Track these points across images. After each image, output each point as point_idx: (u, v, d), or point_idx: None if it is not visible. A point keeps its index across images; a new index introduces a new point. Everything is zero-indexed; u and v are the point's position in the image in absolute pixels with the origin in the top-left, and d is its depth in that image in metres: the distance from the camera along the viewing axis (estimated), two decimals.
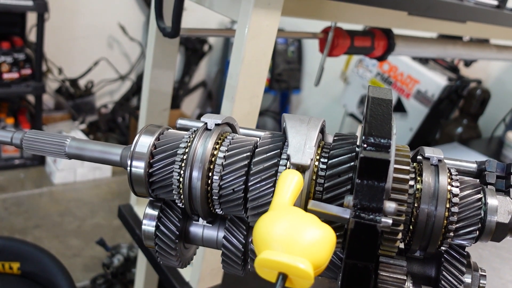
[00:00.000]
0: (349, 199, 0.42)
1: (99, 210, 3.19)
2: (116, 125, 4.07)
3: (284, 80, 4.25)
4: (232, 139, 0.55)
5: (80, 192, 3.37)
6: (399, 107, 2.85)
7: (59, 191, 3.33)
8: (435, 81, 2.69)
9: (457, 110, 2.94)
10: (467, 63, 2.79)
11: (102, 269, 2.33)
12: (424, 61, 2.81)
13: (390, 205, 0.41)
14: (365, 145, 0.42)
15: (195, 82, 4.64)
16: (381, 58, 1.37)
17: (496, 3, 1.38)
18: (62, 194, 3.31)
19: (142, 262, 1.42)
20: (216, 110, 4.78)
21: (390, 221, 0.41)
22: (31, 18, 3.40)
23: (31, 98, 3.64)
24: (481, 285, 0.53)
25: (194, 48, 4.30)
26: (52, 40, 3.60)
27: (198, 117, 0.58)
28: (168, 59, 1.21)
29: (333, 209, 0.45)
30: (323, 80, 1.28)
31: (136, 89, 4.16)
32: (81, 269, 2.58)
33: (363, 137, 0.43)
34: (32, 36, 3.44)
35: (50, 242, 2.76)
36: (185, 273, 1.13)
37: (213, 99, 4.85)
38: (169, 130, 0.58)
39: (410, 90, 2.81)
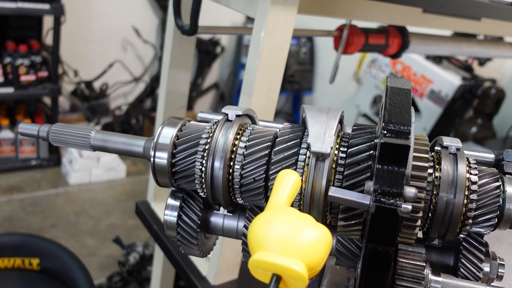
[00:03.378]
0: (369, 185, 0.43)
1: (114, 210, 3.23)
2: (130, 126, 4.11)
3: (296, 81, 4.26)
4: (253, 129, 0.56)
5: (95, 193, 3.42)
6: (413, 107, 2.83)
7: (74, 192, 3.38)
8: (449, 81, 2.68)
9: (471, 110, 2.92)
10: (481, 62, 2.77)
11: (117, 267, 2.36)
12: (437, 60, 2.80)
13: (410, 190, 0.42)
14: (385, 132, 0.43)
15: (208, 84, 4.67)
16: (396, 56, 1.37)
17: (511, 0, 1.37)
18: (77, 195, 3.36)
19: (159, 257, 1.44)
20: None
21: (410, 207, 0.42)
22: (48, 22, 3.46)
23: (47, 100, 3.70)
24: (499, 273, 0.54)
25: (206, 50, 4.33)
26: (68, 43, 3.66)
27: None
28: (185, 58, 1.23)
29: (353, 195, 0.46)
30: (336, 81, 1.29)
31: (149, 91, 4.21)
32: (97, 268, 2.61)
33: (383, 124, 0.44)
34: (48, 39, 3.51)
35: (66, 241, 2.80)
36: (202, 267, 1.15)
37: (225, 101, 4.88)
38: (191, 122, 0.60)
39: (424, 89, 2.79)
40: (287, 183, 0.44)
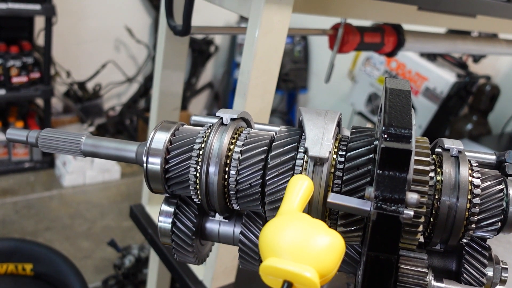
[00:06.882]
0: (370, 191, 0.42)
1: (109, 212, 3.20)
2: (124, 127, 4.08)
3: (291, 80, 4.24)
4: (248, 133, 0.55)
5: (89, 195, 3.39)
6: (413, 109, 2.83)
7: (69, 194, 3.35)
8: (443, 78, 2.67)
9: (466, 107, 2.91)
10: (476, 59, 2.76)
11: (113, 270, 2.34)
12: (432, 57, 2.79)
13: (412, 196, 0.41)
14: (385, 136, 0.42)
15: (202, 84, 4.64)
16: (391, 54, 1.36)
17: None
18: (72, 197, 3.33)
19: (154, 261, 1.42)
20: None
21: (412, 213, 0.41)
22: (39, 22, 3.42)
23: (39, 101, 3.66)
24: (503, 278, 0.53)
25: (200, 50, 4.30)
26: (60, 43, 3.62)
27: None
28: (178, 59, 1.21)
29: (353, 201, 0.44)
30: (331, 79, 1.27)
31: (143, 91, 4.18)
32: (92, 271, 2.59)
33: (383, 128, 0.42)
34: (40, 40, 3.47)
35: (61, 244, 2.78)
36: (198, 271, 1.13)
37: (220, 100, 4.85)
38: (184, 126, 0.58)
39: (419, 87, 2.79)
40: (299, 189, 0.44)
